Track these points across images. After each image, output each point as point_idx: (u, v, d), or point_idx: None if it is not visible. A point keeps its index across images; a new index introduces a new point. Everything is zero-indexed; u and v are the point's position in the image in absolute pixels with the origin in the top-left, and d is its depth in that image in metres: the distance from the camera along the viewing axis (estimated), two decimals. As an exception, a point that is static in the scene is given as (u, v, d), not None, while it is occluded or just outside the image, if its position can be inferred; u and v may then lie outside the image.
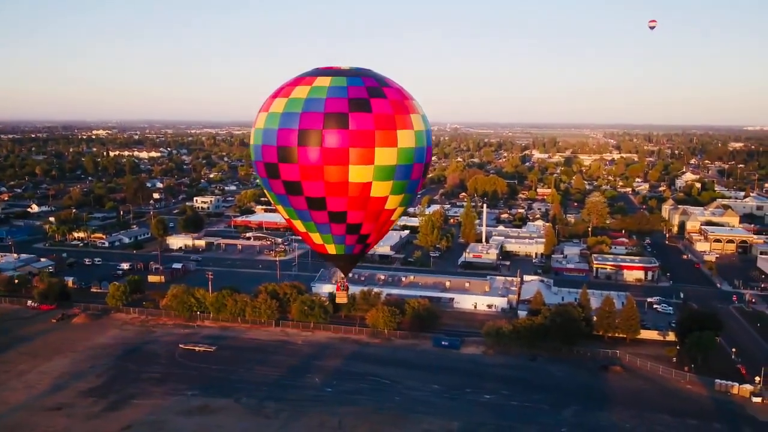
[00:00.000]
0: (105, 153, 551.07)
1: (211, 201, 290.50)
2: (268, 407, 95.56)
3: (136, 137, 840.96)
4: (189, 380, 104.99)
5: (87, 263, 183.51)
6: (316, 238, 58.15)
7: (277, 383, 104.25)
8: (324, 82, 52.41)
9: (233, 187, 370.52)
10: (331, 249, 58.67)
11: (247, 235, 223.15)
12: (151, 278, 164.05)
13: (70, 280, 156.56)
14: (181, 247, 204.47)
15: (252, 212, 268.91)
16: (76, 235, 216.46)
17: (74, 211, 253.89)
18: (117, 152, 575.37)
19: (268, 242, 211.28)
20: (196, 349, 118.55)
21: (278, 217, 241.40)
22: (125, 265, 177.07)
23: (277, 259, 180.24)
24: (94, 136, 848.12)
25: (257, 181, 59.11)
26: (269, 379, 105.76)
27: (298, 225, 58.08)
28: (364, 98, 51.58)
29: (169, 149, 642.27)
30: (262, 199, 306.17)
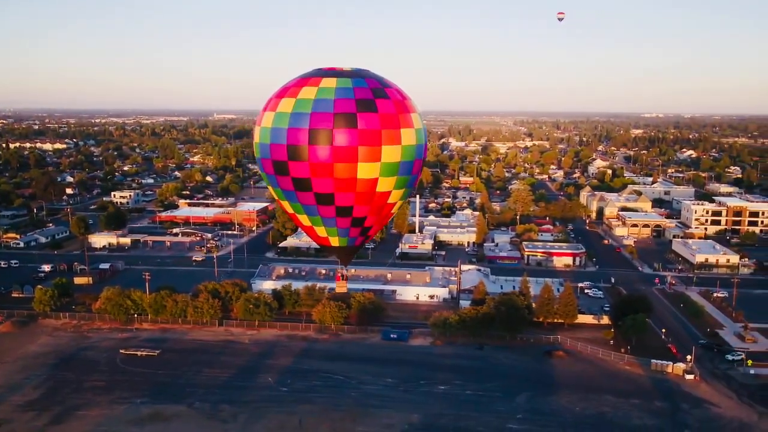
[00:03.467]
0: (4, 145, 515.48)
1: (130, 195, 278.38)
2: (223, 411, 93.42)
3: (36, 127, 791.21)
4: (135, 387, 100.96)
5: (3, 266, 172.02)
6: (321, 231, 60.32)
7: (230, 385, 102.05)
8: (330, 83, 54.30)
9: (150, 180, 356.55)
10: (335, 241, 61.19)
11: (174, 231, 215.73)
12: (78, 280, 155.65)
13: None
14: (105, 246, 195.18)
15: (176, 207, 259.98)
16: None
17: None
18: (17, 144, 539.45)
19: (198, 238, 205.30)
20: (139, 353, 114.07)
21: (205, 212, 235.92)
22: (46, 267, 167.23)
23: (214, 255, 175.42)
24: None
25: (264, 181, 59.62)
26: (220, 382, 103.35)
27: (304, 219, 59.94)
28: (370, 99, 54.11)
29: (74, 140, 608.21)
30: (185, 192, 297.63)
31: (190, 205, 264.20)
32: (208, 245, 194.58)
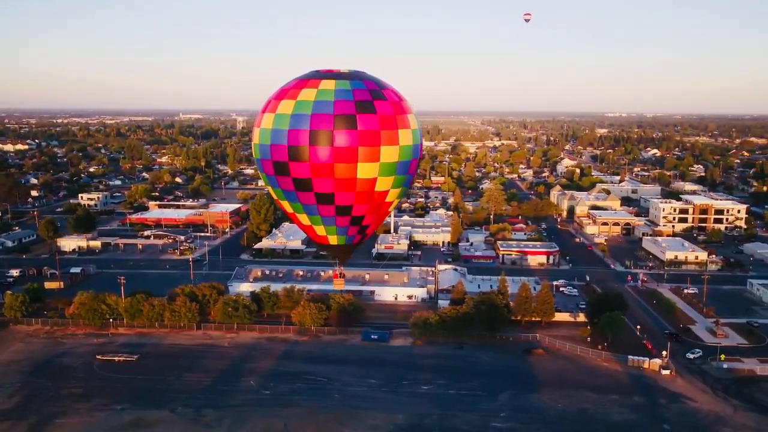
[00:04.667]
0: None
1: (98, 198, 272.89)
2: (207, 415, 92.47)
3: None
4: (115, 393, 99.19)
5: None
6: (320, 230, 61.49)
7: (212, 389, 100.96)
8: (329, 85, 55.11)
9: (118, 182, 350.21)
10: (333, 240, 62.38)
11: (146, 233, 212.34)
12: (48, 285, 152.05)
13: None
14: (74, 249, 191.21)
15: (146, 209, 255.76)
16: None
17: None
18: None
19: (170, 240, 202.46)
20: (116, 359, 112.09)
21: (176, 214, 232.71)
22: (14, 272, 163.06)
23: (190, 258, 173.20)
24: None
25: (262, 182, 60.90)
26: (202, 386, 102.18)
27: (303, 219, 60.94)
28: (369, 100, 55.19)
29: (36, 141, 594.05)
30: (154, 194, 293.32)
31: (160, 206, 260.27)
32: (181, 247, 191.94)
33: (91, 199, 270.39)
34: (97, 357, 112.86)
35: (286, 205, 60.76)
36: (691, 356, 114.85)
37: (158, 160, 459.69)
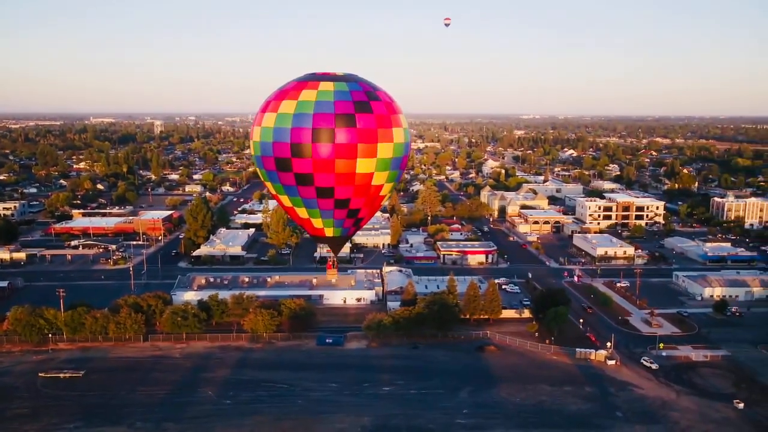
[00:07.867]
0: None
1: (14, 207, 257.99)
2: (168, 429, 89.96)
3: None
4: (65, 412, 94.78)
5: None
6: (317, 223, 64.60)
7: (169, 402, 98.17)
8: (328, 86, 58.49)
9: (33, 190, 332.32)
10: (330, 232, 65.82)
11: (74, 243, 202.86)
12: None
13: None
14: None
15: (70, 217, 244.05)
16: None
17: None
18: None
19: (101, 250, 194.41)
20: (61, 375, 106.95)
21: (105, 222, 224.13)
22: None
23: (131, 267, 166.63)
24: None
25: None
26: (158, 399, 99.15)
27: (302, 212, 63.88)
28: (365, 101, 59.02)
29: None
30: (75, 202, 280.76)
31: (85, 215, 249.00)
32: (114, 257, 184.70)
33: (8, 209, 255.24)
34: (40, 374, 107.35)
35: (285, 200, 63.33)
36: (650, 365, 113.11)
37: (75, 166, 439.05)
